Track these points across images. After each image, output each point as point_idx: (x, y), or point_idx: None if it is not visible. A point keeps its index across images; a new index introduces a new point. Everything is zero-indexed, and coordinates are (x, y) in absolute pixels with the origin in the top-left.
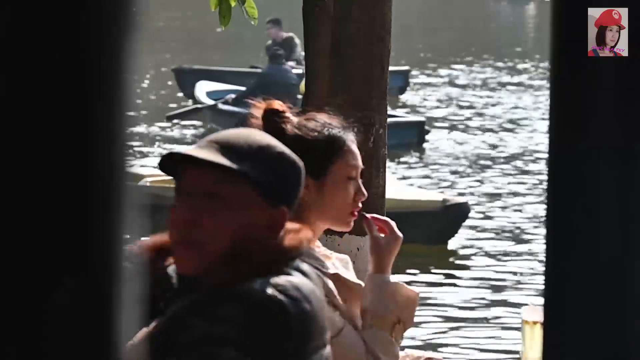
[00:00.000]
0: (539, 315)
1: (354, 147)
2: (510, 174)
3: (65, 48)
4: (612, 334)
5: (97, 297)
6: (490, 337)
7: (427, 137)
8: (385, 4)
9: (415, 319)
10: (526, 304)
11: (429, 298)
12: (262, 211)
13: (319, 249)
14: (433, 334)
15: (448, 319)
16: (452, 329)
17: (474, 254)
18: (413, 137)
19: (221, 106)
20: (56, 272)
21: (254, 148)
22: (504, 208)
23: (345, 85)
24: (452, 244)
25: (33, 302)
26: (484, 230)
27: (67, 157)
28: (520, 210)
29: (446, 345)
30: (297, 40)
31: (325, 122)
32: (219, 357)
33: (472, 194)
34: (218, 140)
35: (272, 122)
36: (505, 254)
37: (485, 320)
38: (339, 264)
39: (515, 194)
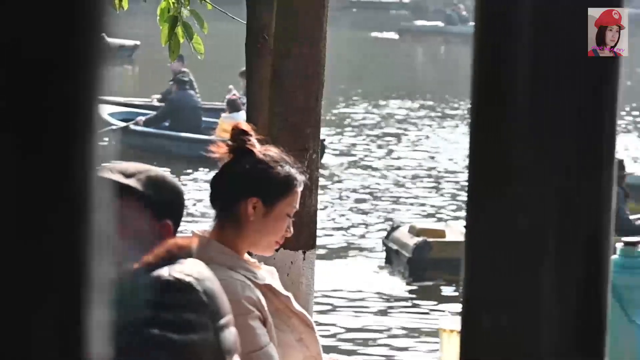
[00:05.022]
0: (455, 324)
1: (300, 190)
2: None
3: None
4: (524, 341)
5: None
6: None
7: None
8: (320, 42)
9: (342, 324)
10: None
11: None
12: (149, 222)
13: (250, 259)
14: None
15: (370, 324)
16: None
17: None
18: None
19: (133, 127)
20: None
21: (140, 170)
22: None
23: (283, 114)
24: None
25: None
26: None
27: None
28: None
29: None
30: (193, 78)
31: (283, 157)
32: (144, 338)
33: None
34: (111, 167)
35: (240, 140)
36: None
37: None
38: (267, 274)
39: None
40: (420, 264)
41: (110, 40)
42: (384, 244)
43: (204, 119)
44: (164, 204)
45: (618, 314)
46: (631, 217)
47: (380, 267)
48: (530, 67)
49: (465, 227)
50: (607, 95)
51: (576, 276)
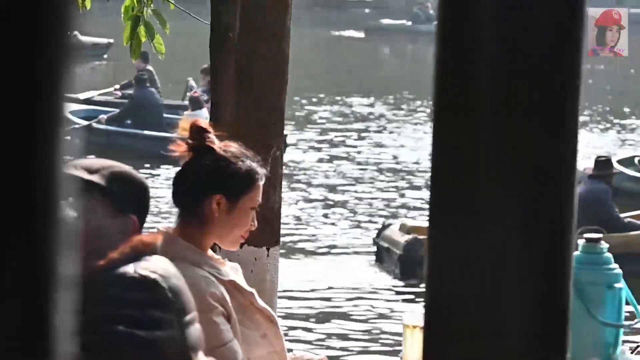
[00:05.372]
0: (418, 320)
1: (262, 184)
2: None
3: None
4: (486, 338)
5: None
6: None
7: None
8: (284, 41)
9: (305, 324)
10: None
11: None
12: (113, 218)
13: (214, 255)
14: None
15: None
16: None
17: None
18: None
19: (96, 125)
20: None
21: (104, 166)
22: None
23: (247, 112)
24: None
25: None
26: None
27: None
28: None
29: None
30: (156, 77)
31: (243, 152)
32: (109, 335)
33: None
34: (76, 163)
35: (199, 137)
36: None
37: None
38: (231, 271)
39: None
40: (411, 261)
41: (83, 38)
42: (375, 242)
43: (165, 115)
44: (129, 200)
45: (580, 310)
46: (621, 215)
47: (371, 265)
48: (494, 66)
49: (428, 222)
50: (570, 93)
51: (538, 272)
